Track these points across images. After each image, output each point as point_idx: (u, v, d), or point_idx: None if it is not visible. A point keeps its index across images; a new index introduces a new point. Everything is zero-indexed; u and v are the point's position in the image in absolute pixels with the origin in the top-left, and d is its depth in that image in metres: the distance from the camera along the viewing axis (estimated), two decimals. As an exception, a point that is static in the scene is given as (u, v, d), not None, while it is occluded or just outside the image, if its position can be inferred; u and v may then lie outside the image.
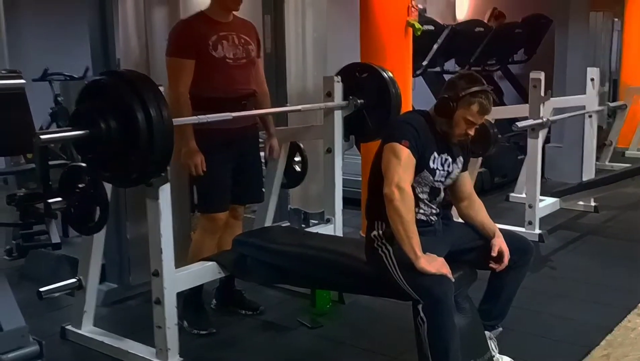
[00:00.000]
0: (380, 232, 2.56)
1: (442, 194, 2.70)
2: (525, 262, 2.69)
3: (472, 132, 2.60)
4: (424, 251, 2.39)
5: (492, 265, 2.62)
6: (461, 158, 2.71)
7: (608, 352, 2.93)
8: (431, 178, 2.59)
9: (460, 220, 2.82)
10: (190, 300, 3.24)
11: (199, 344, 3.10)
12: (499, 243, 2.61)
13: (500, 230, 2.71)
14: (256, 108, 3.28)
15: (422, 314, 2.33)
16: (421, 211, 2.61)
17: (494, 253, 2.60)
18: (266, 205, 3.59)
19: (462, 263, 2.60)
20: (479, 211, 2.74)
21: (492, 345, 2.72)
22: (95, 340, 3.02)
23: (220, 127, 3.04)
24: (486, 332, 2.70)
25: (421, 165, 2.54)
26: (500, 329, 2.77)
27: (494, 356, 2.71)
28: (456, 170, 2.69)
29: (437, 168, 2.60)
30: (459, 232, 2.72)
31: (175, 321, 2.71)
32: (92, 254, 3.01)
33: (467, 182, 2.81)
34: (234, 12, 3.19)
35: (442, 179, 2.64)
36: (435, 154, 2.59)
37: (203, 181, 3.15)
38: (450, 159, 2.65)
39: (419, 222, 2.51)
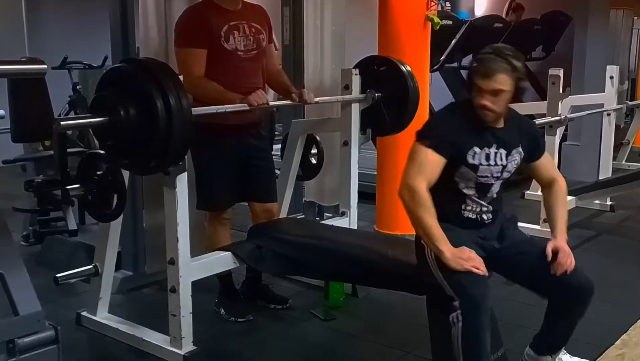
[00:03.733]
0: None
1: (496, 189, 2.51)
2: (581, 301, 2.44)
3: (486, 102, 2.37)
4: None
5: (553, 269, 2.39)
6: (520, 149, 2.50)
7: (623, 352, 2.91)
8: (473, 174, 2.43)
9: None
10: (224, 289, 3.31)
11: (212, 333, 3.12)
12: (553, 245, 2.40)
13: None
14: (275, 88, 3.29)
15: (457, 313, 2.24)
16: (468, 208, 2.48)
17: (548, 258, 2.39)
18: (281, 197, 3.58)
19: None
20: (554, 202, 2.56)
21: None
22: (110, 327, 3.05)
23: (224, 123, 2.98)
24: (546, 357, 2.59)
25: (457, 162, 2.41)
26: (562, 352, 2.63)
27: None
28: (513, 162, 2.49)
29: (480, 164, 2.42)
30: (519, 248, 2.52)
31: (190, 309, 2.73)
32: (109, 241, 3.03)
33: (543, 168, 2.60)
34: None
35: (492, 174, 2.46)
36: (477, 149, 2.41)
37: (203, 177, 3.13)
38: (503, 151, 2.45)
39: (467, 221, 2.45)
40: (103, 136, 2.50)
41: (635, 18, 7.75)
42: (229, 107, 2.86)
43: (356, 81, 3.38)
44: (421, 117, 3.80)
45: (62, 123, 2.37)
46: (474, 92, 2.40)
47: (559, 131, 4.43)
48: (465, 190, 2.47)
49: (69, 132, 4.12)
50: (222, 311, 3.29)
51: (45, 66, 2.28)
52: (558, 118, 4.27)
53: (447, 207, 2.42)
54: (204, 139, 2.97)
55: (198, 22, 3.00)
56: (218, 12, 3.03)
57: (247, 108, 2.91)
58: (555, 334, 2.56)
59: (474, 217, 2.50)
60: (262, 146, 3.29)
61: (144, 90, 2.35)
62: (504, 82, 2.37)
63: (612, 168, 5.56)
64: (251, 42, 3.10)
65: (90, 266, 3.10)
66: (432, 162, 2.37)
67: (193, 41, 2.98)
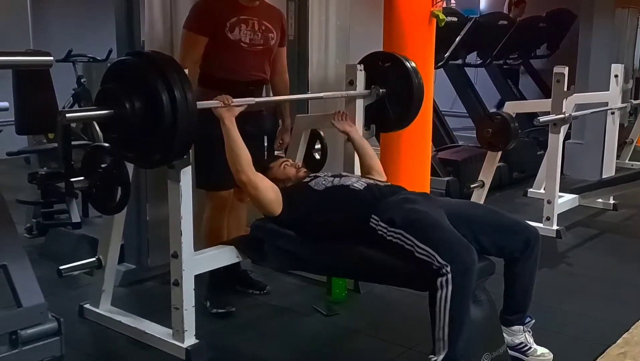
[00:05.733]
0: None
1: None
2: (530, 252, 2.63)
3: None
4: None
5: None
6: None
7: (625, 350, 2.91)
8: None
9: None
10: (213, 281, 3.32)
11: (215, 327, 3.13)
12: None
13: (502, 216, 2.72)
14: (273, 89, 3.36)
15: (447, 277, 2.29)
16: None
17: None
18: (284, 192, 3.59)
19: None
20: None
21: (527, 337, 2.73)
22: (113, 319, 3.05)
23: None
24: (518, 326, 2.72)
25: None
26: (532, 321, 2.75)
27: (530, 347, 2.73)
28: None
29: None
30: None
31: (193, 303, 2.73)
32: (112, 234, 3.03)
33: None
34: None
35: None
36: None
37: (205, 159, 3.16)
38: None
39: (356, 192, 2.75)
40: (108, 129, 2.50)
41: (641, 17, 7.74)
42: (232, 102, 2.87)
43: (361, 77, 3.39)
44: (425, 113, 3.80)
45: (67, 115, 2.37)
46: None
47: (563, 129, 4.42)
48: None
49: (73, 125, 4.13)
50: (208, 303, 3.28)
51: (52, 58, 2.30)
52: (562, 116, 4.25)
53: None
54: (207, 120, 3.00)
55: (208, 10, 3.12)
56: (232, 5, 3.15)
57: (253, 103, 2.97)
58: (515, 297, 2.69)
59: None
60: (257, 136, 3.37)
61: (149, 84, 2.35)
62: None
63: (616, 167, 5.55)
64: (258, 37, 3.19)
65: (94, 258, 3.09)
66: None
67: (197, 26, 3.11)
